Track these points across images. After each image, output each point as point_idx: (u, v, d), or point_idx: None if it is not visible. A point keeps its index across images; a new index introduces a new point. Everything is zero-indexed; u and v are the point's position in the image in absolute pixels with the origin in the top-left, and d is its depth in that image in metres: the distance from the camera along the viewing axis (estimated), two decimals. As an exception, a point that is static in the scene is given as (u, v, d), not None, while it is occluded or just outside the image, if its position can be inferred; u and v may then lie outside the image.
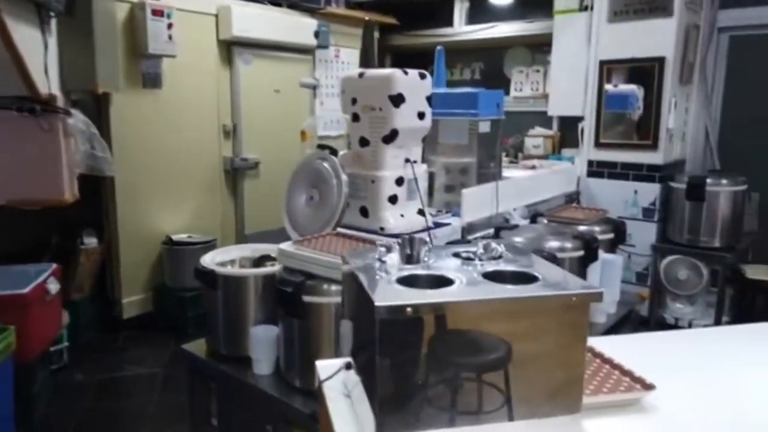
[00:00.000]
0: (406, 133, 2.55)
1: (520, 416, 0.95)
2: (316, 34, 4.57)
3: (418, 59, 6.01)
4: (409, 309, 0.87)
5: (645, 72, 3.52)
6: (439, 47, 3.10)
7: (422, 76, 2.57)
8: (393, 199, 2.58)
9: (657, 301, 3.60)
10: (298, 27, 4.45)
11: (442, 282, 1.01)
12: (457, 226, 2.78)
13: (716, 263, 3.35)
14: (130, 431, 2.83)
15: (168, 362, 3.47)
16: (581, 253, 2.51)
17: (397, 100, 2.47)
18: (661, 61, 3.41)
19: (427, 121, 2.62)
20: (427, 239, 1.15)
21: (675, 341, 1.52)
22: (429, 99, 2.61)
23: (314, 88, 4.93)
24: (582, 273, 2.59)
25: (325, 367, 1.25)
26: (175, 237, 3.80)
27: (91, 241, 3.62)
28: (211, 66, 4.08)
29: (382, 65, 6.14)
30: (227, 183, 4.29)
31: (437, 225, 2.73)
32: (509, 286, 0.99)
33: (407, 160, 2.61)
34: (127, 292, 3.76)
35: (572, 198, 3.76)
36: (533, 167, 3.78)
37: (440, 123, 2.98)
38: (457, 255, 1.19)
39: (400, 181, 2.59)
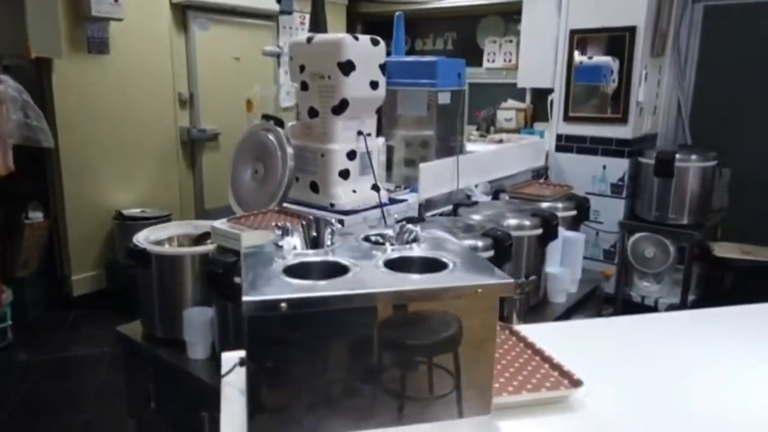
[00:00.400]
0: (358, 103, 2.40)
1: (418, 420, 0.84)
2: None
3: (390, 28, 5.81)
4: (283, 305, 0.74)
5: (619, 42, 3.38)
6: (398, 12, 2.92)
7: (375, 43, 2.41)
8: (344, 174, 2.44)
9: (624, 279, 3.53)
10: (258, -9, 4.23)
11: (338, 270, 0.88)
12: (414, 202, 2.65)
13: (683, 241, 3.27)
14: (68, 414, 2.70)
15: (117, 342, 3.34)
16: (540, 231, 2.40)
17: (347, 67, 2.31)
18: (632, 30, 3.27)
19: (381, 91, 2.47)
20: (333, 222, 1.01)
21: (620, 328, 1.41)
22: (383, 67, 2.45)
23: (278, 56, 4.73)
24: (541, 252, 2.49)
25: (227, 360, 1.13)
26: (128, 212, 3.62)
27: (36, 216, 3.44)
28: (164, 31, 3.86)
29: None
30: (185, 155, 4.11)
31: (393, 201, 2.60)
32: (411, 276, 0.86)
33: (360, 133, 2.46)
34: (77, 269, 3.59)
35: (540, 173, 3.65)
36: (500, 141, 3.65)
37: (398, 93, 2.83)
38: (367, 239, 1.06)
39: (352, 155, 2.45)
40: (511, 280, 0.84)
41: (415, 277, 0.85)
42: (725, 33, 3.63)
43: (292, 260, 0.90)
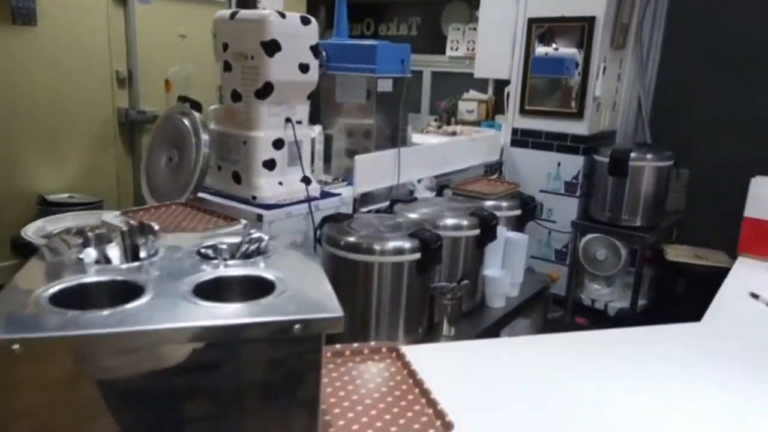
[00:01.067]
0: (285, 87, 2.20)
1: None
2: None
3: (360, 11, 5.59)
4: (15, 347, 0.56)
5: (578, 33, 3.22)
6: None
7: (305, 21, 2.21)
8: (269, 164, 2.25)
9: (575, 281, 3.41)
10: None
11: (133, 293, 0.70)
12: (349, 197, 2.47)
13: (635, 243, 3.15)
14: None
15: None
16: (477, 231, 2.25)
17: (272, 47, 2.11)
18: (591, 21, 3.11)
19: (313, 75, 2.27)
20: (155, 228, 0.82)
21: (518, 350, 1.26)
22: (315, 49, 2.26)
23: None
24: (479, 253, 2.33)
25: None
26: (53, 197, 3.38)
27: (-48, 199, 3.19)
28: (100, 3, 3.59)
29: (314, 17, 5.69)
30: (123, 138, 3.87)
31: (325, 195, 2.42)
32: (213, 306, 0.68)
33: (288, 120, 2.27)
34: (-2, 257, 3.35)
35: (494, 169, 3.50)
36: (454, 134, 3.48)
37: (337, 79, 2.64)
38: (200, 253, 0.87)
39: (278, 144, 2.26)
40: (339, 314, 0.67)
41: (216, 307, 0.67)
42: (691, 26, 3.50)
43: (68, 282, 0.71)
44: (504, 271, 2.47)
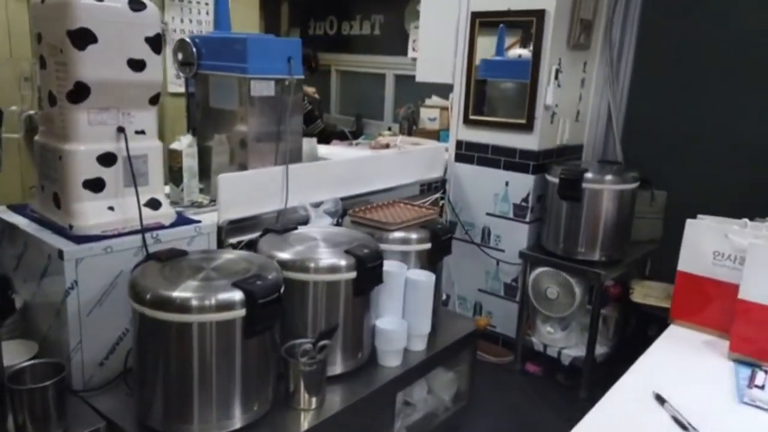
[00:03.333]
0: (109, 88, 1.74)
1: None
2: (158, -35, 3.70)
3: (323, 9, 5.13)
4: None
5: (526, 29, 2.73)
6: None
7: (136, 6, 1.75)
8: (94, 185, 1.78)
9: (525, 322, 2.89)
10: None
11: None
12: (210, 225, 2.01)
13: (592, 281, 2.62)
14: None
15: None
16: (353, 274, 1.77)
17: (81, 38, 1.65)
18: (540, 14, 2.61)
19: (151, 74, 1.81)
20: None
21: None
22: (155, 41, 1.81)
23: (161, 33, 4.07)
24: (362, 300, 1.85)
25: None
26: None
27: None
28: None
29: (276, 14, 5.28)
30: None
31: (184, 222, 1.97)
32: None
33: (120, 130, 1.82)
34: None
35: (436, 187, 3.01)
36: (387, 146, 3.00)
37: (210, 80, 2.18)
38: None
39: (107, 159, 1.80)
40: None
41: None
42: (669, 26, 2.97)
43: None
44: (399, 321, 1.98)
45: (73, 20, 1.63)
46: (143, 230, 1.81)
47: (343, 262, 1.77)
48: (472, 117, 2.91)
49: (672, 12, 2.95)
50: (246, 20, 4.53)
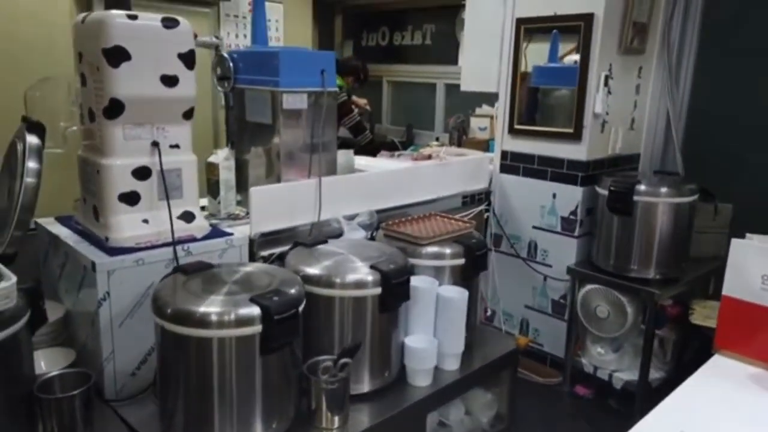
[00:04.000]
0: (143, 105, 1.79)
1: None
2: (211, -17, 3.82)
3: (375, 21, 5.13)
4: None
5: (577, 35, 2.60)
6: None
7: (169, 24, 1.79)
8: (130, 198, 1.83)
9: (574, 342, 2.74)
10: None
11: None
12: (242, 238, 2.02)
13: (645, 300, 2.45)
14: None
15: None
16: (378, 290, 1.73)
17: (116, 55, 1.70)
18: (587, 18, 2.48)
19: (184, 89, 1.84)
20: None
21: None
22: (188, 57, 1.85)
23: (216, 48, 4.20)
24: (388, 317, 1.80)
25: None
26: None
27: None
28: (64, 15, 3.40)
29: (329, 27, 5.33)
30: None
31: (217, 234, 1.99)
32: None
33: (155, 144, 1.87)
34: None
35: (480, 199, 2.92)
36: (429, 157, 2.94)
37: (246, 94, 2.21)
38: None
39: (142, 173, 1.84)
40: None
41: None
42: (734, 26, 2.76)
43: None
44: (429, 338, 1.91)
45: (108, 38, 1.69)
46: (174, 243, 1.84)
47: (369, 278, 1.73)
48: (517, 126, 2.81)
49: (737, 12, 2.74)
50: (299, 34, 4.61)
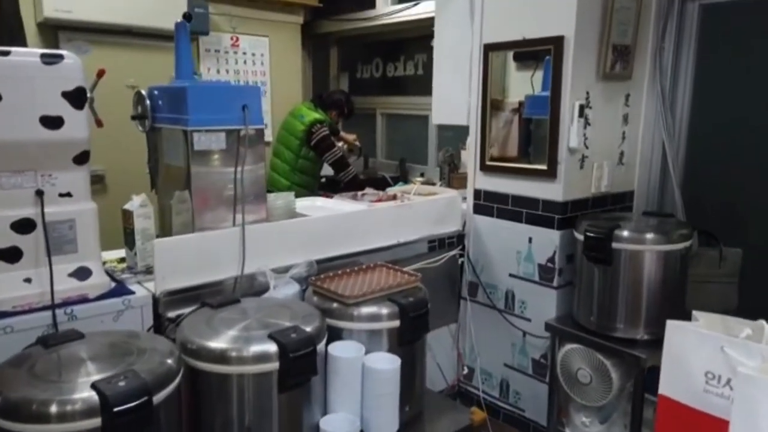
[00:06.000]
0: (19, 149, 1.60)
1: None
2: (187, 17, 3.67)
3: (369, 52, 4.93)
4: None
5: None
6: (179, 20, 2.10)
7: (51, 60, 1.60)
8: (8, 255, 1.63)
9: (557, 409, 2.38)
10: (157, 7, 3.58)
11: None
12: (143, 297, 1.78)
13: (631, 365, 2.09)
14: None
15: None
16: (275, 365, 1.45)
17: (-20, 96, 1.53)
18: (558, 42, 2.19)
19: (71, 131, 1.65)
20: None
21: None
22: (76, 96, 1.65)
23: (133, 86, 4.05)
24: (285, 398, 1.52)
25: None
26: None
27: None
28: (28, 55, 3.31)
29: (325, 60, 5.17)
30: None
31: (110, 295, 1.76)
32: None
33: (39, 193, 1.66)
34: None
35: (451, 243, 2.63)
36: (394, 197, 2.67)
37: (162, 134, 2.00)
38: None
39: (24, 226, 1.64)
40: None
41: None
42: (737, 46, 2.42)
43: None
44: (351, 419, 1.62)
45: (-30, 78, 1.51)
46: (53, 306, 1.61)
47: (271, 350, 1.46)
48: (489, 162, 2.52)
49: (740, 30, 2.41)
50: (287, 67, 4.45)
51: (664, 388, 0.99)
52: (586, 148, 2.31)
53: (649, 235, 2.07)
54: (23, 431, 1.16)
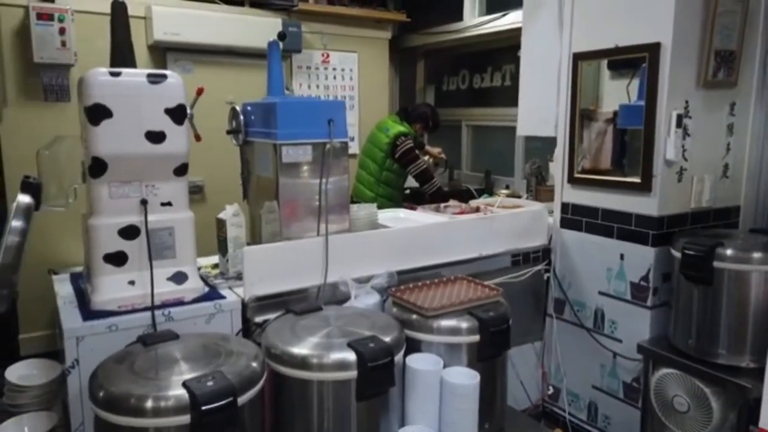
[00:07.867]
0: (129, 162, 1.74)
1: None
2: (281, 36, 3.84)
3: (456, 64, 4.92)
4: None
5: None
6: (271, 39, 2.20)
7: (155, 80, 1.74)
8: (116, 259, 1.78)
9: (650, 435, 2.24)
10: (254, 28, 3.78)
11: None
12: (233, 302, 1.88)
13: (734, 395, 1.93)
14: None
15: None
16: (353, 373, 1.48)
17: (96, 114, 1.67)
18: (653, 49, 2.09)
19: (173, 145, 1.79)
20: None
21: None
22: (177, 112, 1.77)
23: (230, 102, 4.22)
24: (363, 407, 1.53)
25: None
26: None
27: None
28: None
29: (411, 74, 5.22)
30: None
31: (204, 298, 1.86)
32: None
33: (143, 202, 1.80)
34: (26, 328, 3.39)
35: (536, 258, 2.56)
36: (477, 210, 2.64)
37: (255, 147, 2.10)
38: None
39: (129, 232, 1.79)
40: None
41: None
42: None
43: None
44: (424, 430, 1.60)
45: (88, 97, 1.66)
46: (153, 307, 1.73)
47: (350, 358, 1.49)
48: (577, 175, 2.43)
49: None
50: (375, 82, 4.54)
51: (766, 421, 0.90)
52: (685, 160, 2.17)
53: (757, 254, 1.90)
54: (121, 423, 1.25)
